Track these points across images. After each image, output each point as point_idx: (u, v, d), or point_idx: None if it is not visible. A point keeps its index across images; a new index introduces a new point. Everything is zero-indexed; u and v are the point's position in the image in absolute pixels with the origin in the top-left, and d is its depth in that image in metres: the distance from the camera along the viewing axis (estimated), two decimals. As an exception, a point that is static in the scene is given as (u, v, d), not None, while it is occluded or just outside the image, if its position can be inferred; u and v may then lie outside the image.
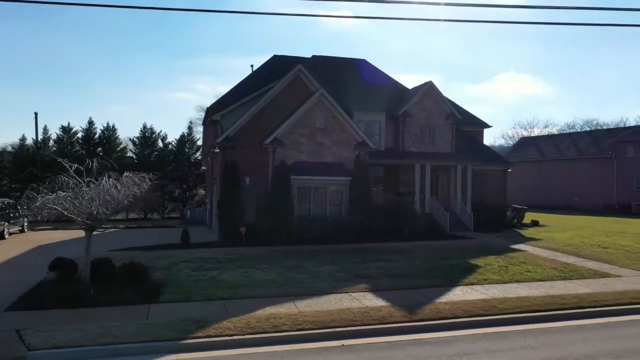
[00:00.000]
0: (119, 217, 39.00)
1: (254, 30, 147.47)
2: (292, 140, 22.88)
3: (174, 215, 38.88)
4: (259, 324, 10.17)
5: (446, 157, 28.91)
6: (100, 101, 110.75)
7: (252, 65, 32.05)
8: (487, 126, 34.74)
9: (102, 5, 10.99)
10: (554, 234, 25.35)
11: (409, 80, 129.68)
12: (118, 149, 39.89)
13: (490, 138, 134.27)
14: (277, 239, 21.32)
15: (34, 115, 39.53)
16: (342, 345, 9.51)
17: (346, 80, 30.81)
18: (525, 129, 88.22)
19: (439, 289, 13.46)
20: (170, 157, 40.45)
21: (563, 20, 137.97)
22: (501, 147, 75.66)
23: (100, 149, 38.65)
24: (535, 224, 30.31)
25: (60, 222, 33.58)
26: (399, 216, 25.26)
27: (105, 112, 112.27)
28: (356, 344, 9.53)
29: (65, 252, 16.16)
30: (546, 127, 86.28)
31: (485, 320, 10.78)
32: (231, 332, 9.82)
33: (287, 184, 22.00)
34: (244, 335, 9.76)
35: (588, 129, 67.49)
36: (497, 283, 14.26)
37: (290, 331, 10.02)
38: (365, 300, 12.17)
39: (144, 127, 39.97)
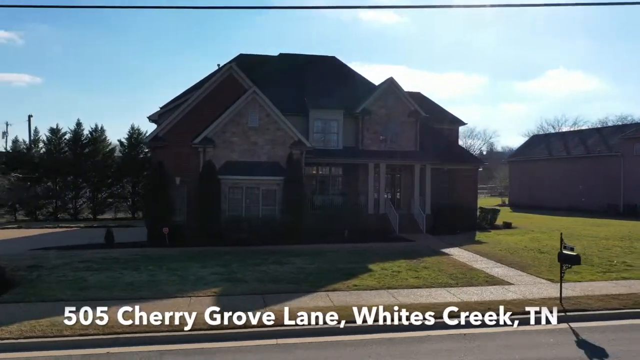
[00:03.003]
0: (107, 216, 39.96)
1: (299, 29, 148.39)
2: (224, 139, 22.55)
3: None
4: (43, 328, 9.91)
5: (406, 156, 27.81)
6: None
7: (218, 65, 31.75)
8: (462, 123, 33.31)
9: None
10: (510, 237, 23.84)
11: (452, 78, 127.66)
12: (107, 150, 40.63)
13: (518, 138, 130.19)
14: (203, 240, 21.10)
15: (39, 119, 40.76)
16: (108, 353, 9.13)
17: (309, 77, 30.26)
18: (552, 126, 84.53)
19: (294, 294, 12.86)
20: (158, 158, 40.86)
21: (610, 13, 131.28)
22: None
23: (87, 150, 39.55)
24: (507, 226, 28.66)
25: (24, 221, 34.76)
26: (343, 217, 24.45)
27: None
28: (121, 352, 9.14)
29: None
30: (575, 124, 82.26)
31: (286, 330, 10.07)
32: (9, 336, 9.61)
33: (215, 183, 21.70)
34: (18, 339, 9.55)
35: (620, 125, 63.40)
36: (365, 290, 13.43)
37: (72, 336, 9.72)
38: (197, 305, 11.65)
39: (132, 128, 40.61)
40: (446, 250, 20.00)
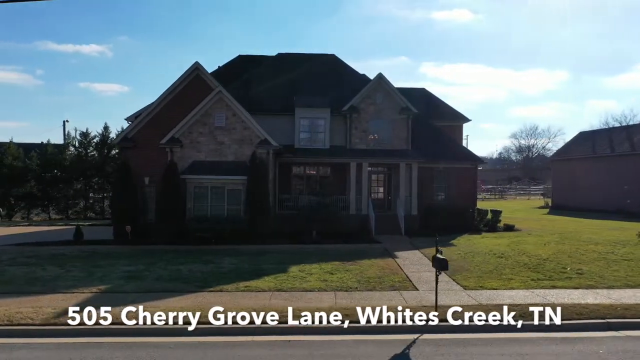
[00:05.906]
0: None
1: (369, 32, 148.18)
2: (191, 139, 22.75)
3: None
4: None
5: (392, 155, 26.66)
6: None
7: (219, 66, 32.24)
8: (466, 120, 31.40)
9: None
10: (492, 240, 21.98)
11: (530, 75, 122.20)
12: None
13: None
14: (168, 239, 21.39)
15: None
16: None
17: (305, 77, 29.93)
18: (619, 122, 77.86)
19: (173, 293, 12.76)
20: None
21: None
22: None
23: (113, 152, 41.53)
24: (508, 228, 26.49)
25: (55, 219, 36.75)
26: (319, 218, 23.84)
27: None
28: None
29: None
30: (645, 119, 75.25)
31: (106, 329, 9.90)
32: None
33: (178, 183, 21.95)
34: None
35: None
36: (251, 291, 12.98)
37: None
38: (61, 302, 11.74)
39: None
40: (400, 253, 18.85)
